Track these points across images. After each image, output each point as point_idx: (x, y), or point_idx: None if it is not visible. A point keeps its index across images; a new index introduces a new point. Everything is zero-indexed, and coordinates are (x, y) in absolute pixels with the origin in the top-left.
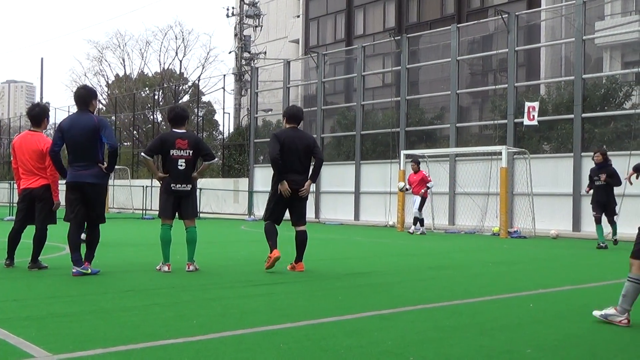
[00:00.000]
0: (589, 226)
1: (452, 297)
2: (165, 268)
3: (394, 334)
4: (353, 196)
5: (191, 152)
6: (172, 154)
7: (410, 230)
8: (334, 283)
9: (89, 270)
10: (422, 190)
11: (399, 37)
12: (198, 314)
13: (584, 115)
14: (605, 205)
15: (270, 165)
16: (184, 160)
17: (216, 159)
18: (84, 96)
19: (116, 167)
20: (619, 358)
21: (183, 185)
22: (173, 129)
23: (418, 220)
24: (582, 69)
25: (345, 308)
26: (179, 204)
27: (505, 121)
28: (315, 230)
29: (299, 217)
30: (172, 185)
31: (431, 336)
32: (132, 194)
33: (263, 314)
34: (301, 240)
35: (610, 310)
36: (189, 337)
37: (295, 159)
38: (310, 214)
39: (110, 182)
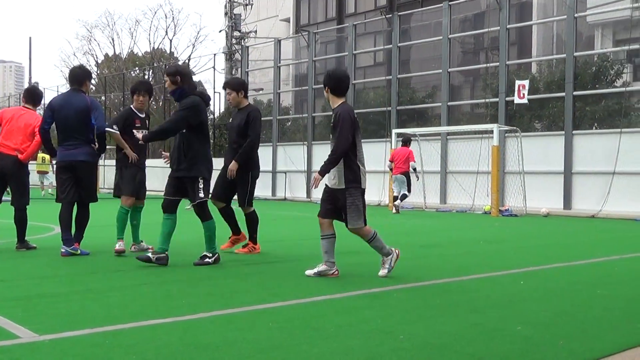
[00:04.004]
0: (579, 204)
1: (443, 275)
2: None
3: (384, 312)
4: None
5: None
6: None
7: (397, 205)
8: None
9: (78, 252)
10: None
11: (390, 15)
12: (187, 293)
13: (575, 93)
14: None
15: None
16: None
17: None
18: (80, 76)
19: (108, 147)
20: (610, 334)
21: None
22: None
23: (400, 196)
24: (573, 46)
25: (335, 287)
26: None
27: (497, 99)
28: (305, 209)
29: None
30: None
31: (422, 314)
32: None
33: (253, 293)
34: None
35: (322, 267)
36: (177, 317)
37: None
38: (301, 194)
39: (101, 162)
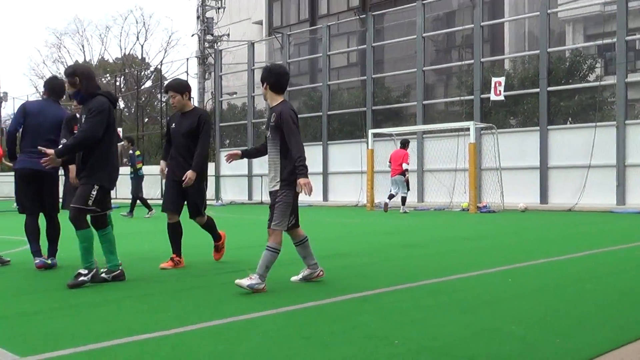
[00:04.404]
0: (556, 198)
1: (429, 275)
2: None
3: (376, 317)
4: (321, 177)
5: None
6: None
7: (402, 210)
8: None
9: (50, 261)
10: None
11: (364, 16)
12: (172, 305)
13: (549, 88)
14: None
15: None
16: None
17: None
18: (60, 87)
19: None
20: (604, 330)
21: None
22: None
23: (400, 199)
24: (547, 42)
25: (324, 292)
26: None
27: (472, 97)
28: None
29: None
30: None
31: (414, 317)
32: None
33: (240, 303)
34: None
35: (306, 272)
36: (164, 331)
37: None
38: None
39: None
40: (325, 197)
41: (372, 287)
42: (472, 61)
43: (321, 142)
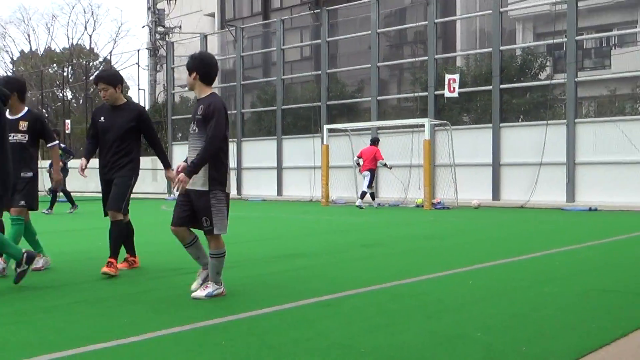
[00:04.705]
0: (508, 195)
1: (391, 277)
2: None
3: (339, 323)
4: (275, 172)
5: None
6: None
7: (358, 204)
8: (268, 268)
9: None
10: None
11: (318, 10)
12: (127, 310)
13: (502, 86)
14: None
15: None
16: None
17: None
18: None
19: None
20: (567, 336)
21: None
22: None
23: (369, 194)
24: (499, 40)
25: (284, 296)
26: None
27: (426, 93)
28: (238, 208)
29: None
30: None
31: (378, 323)
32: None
33: (200, 307)
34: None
35: (217, 291)
36: (121, 339)
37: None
38: (232, 191)
39: None
40: (279, 192)
41: (334, 291)
42: (426, 58)
43: (275, 137)
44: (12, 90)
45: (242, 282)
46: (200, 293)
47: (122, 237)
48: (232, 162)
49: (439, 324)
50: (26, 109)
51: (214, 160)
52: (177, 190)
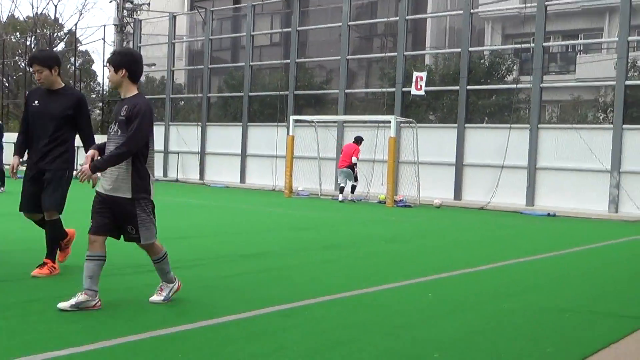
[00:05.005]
0: (469, 195)
1: (353, 285)
2: None
3: (300, 336)
4: (239, 158)
5: None
6: None
7: (342, 198)
8: (229, 269)
9: None
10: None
11: None
12: (85, 315)
13: (469, 87)
14: None
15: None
16: None
17: None
18: None
19: None
20: (527, 357)
21: None
22: None
23: (350, 188)
24: (469, 41)
25: (244, 302)
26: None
27: (394, 89)
28: (200, 194)
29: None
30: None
31: (338, 338)
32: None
33: (156, 313)
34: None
35: (81, 297)
36: (75, 347)
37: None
38: (194, 175)
39: None
40: (242, 179)
41: (295, 299)
42: (395, 54)
43: (241, 124)
44: None
45: (202, 284)
46: (158, 297)
47: (60, 237)
48: (197, 147)
49: (396, 342)
50: None
51: (135, 168)
52: (82, 182)
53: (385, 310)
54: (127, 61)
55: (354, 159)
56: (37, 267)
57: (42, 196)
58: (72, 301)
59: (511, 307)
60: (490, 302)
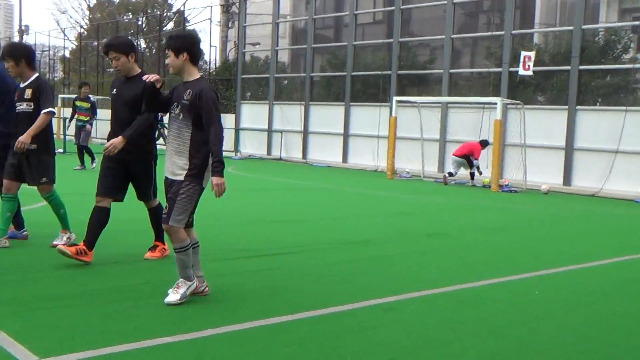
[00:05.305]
0: (579, 181)
1: (455, 278)
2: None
3: (399, 333)
4: (342, 138)
5: None
6: None
7: (471, 184)
8: (332, 257)
9: None
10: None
11: None
12: (191, 301)
13: (581, 67)
14: None
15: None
16: None
17: None
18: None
19: None
20: None
21: None
22: None
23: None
24: (582, 19)
25: (345, 294)
26: None
27: (500, 69)
28: (304, 174)
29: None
30: None
31: (438, 337)
32: None
33: (260, 302)
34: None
35: (189, 288)
36: (181, 335)
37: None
38: (297, 154)
39: None
40: (344, 159)
41: (395, 292)
42: (502, 32)
43: (344, 103)
44: (19, 57)
45: (304, 272)
46: (173, 297)
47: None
48: (300, 126)
49: (502, 343)
50: (34, 75)
51: (201, 152)
52: (217, 196)
53: (488, 307)
54: (187, 44)
55: (475, 162)
56: (148, 250)
57: (135, 188)
58: (178, 295)
59: (624, 311)
60: (601, 303)
